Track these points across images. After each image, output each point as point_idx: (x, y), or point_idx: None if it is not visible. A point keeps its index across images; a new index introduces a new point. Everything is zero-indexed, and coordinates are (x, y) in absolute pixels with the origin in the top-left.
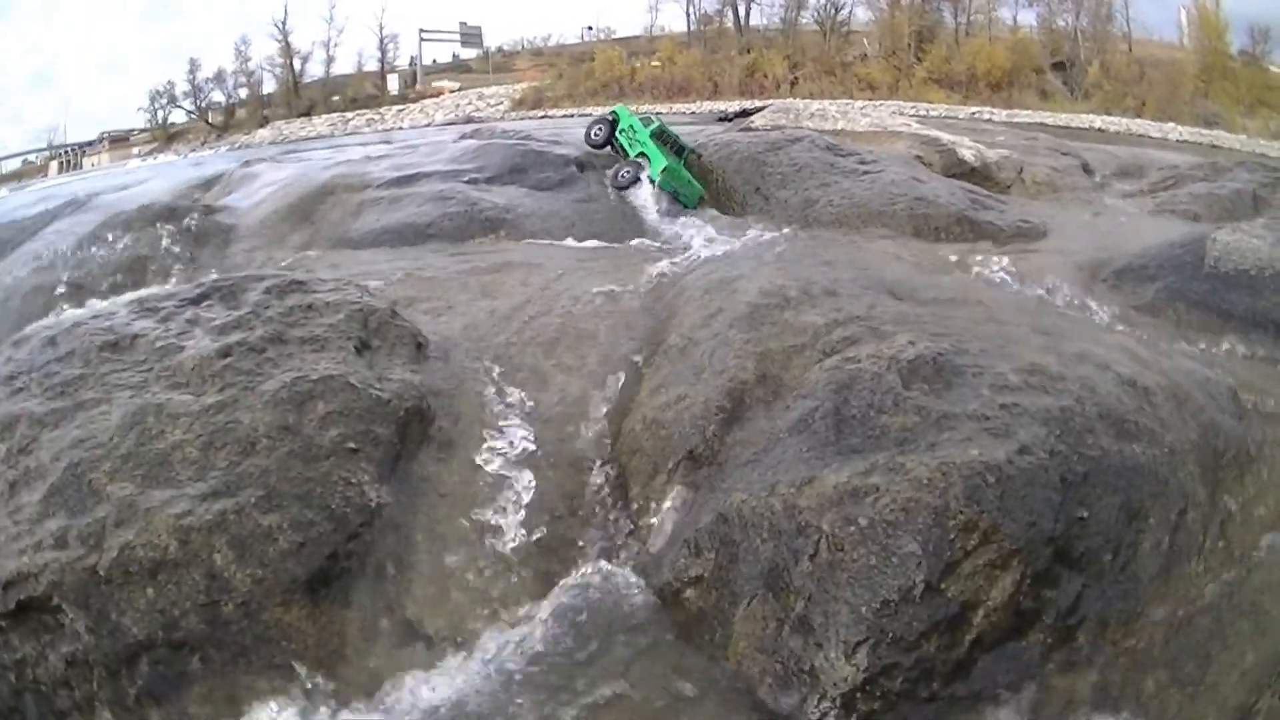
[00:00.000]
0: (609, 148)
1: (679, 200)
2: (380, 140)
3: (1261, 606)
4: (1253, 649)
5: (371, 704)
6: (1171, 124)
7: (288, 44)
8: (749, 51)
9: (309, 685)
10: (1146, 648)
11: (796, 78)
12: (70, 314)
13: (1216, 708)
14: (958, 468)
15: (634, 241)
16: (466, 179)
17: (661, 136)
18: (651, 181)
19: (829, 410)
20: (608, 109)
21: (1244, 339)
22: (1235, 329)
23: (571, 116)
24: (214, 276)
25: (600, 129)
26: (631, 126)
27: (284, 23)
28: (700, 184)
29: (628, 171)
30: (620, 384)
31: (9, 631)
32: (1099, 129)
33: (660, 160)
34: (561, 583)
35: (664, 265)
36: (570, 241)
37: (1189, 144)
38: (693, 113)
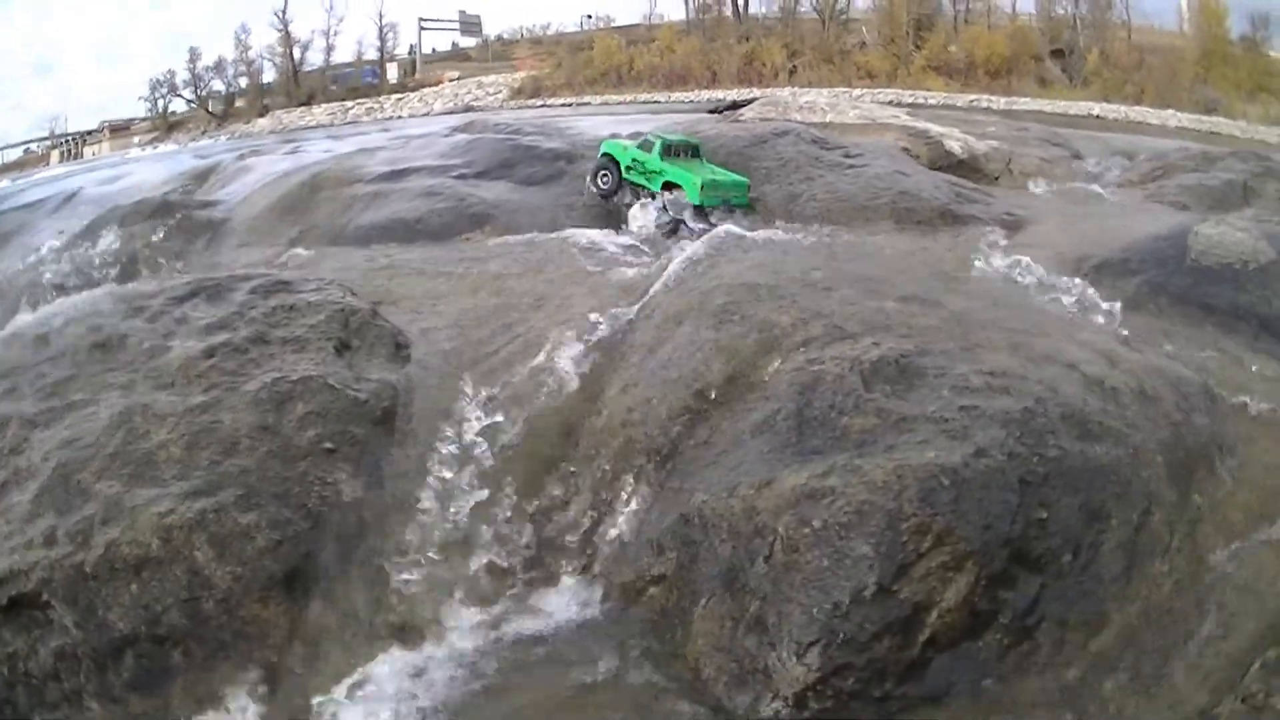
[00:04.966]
0: (621, 192)
1: (731, 204)
2: (379, 130)
3: (1227, 607)
4: (1216, 651)
5: (346, 695)
6: (1171, 110)
7: (288, 33)
8: (748, 40)
9: (286, 678)
10: (1108, 648)
11: (795, 66)
12: (62, 312)
13: (1177, 710)
14: (913, 470)
15: (618, 237)
16: (455, 174)
17: (671, 151)
18: (700, 207)
19: (791, 412)
20: (599, 153)
21: (1225, 333)
22: (1217, 323)
23: (570, 105)
24: (201, 275)
25: (606, 176)
26: (635, 160)
27: (284, 11)
28: (738, 172)
29: (671, 210)
30: (591, 383)
31: (2, 627)
32: (1098, 116)
33: (692, 178)
34: (528, 578)
35: (641, 261)
36: (553, 237)
37: (1189, 130)
38: (690, 101)
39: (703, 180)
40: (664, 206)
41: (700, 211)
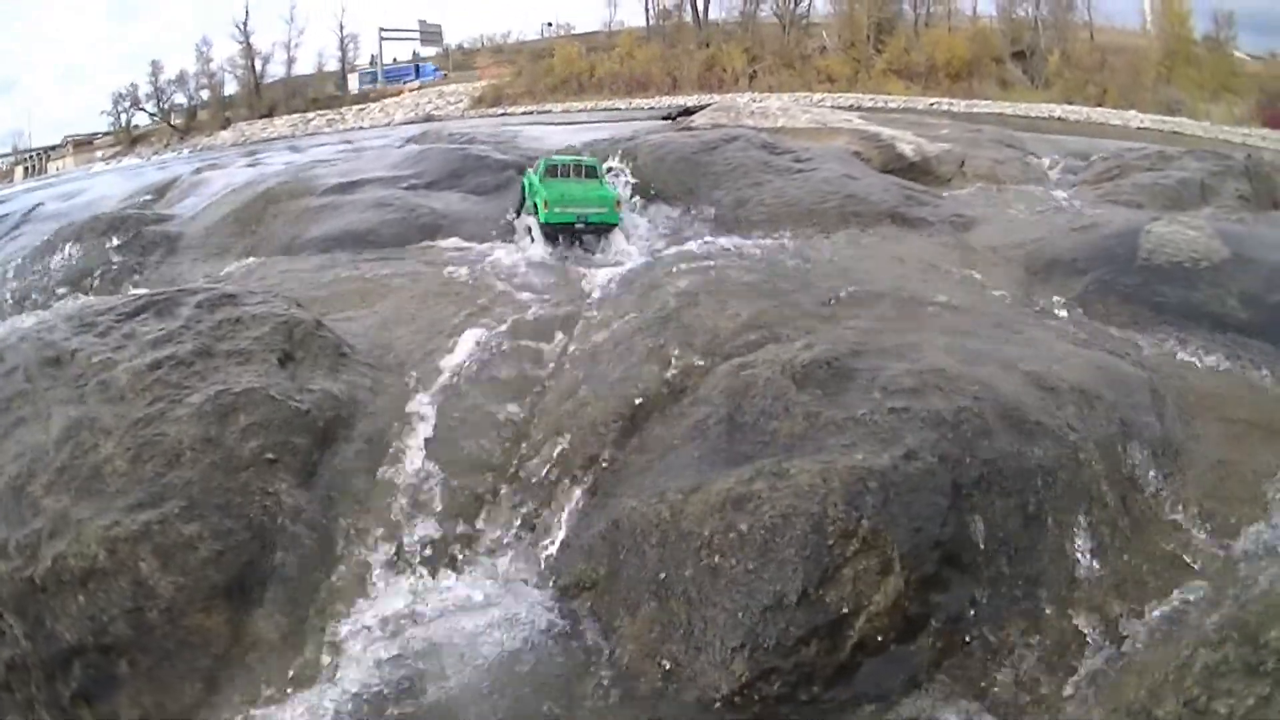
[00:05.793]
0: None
1: (590, 223)
2: (339, 140)
3: (1170, 609)
4: (1160, 652)
5: (288, 701)
6: (1133, 111)
7: (249, 45)
8: (708, 45)
9: (228, 686)
10: (1045, 651)
11: (756, 71)
12: (17, 328)
13: (1118, 711)
14: (839, 474)
15: (559, 248)
16: (406, 185)
17: (555, 171)
18: (545, 225)
19: (723, 416)
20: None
21: (1175, 332)
22: (1167, 322)
23: (531, 114)
24: (151, 290)
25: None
26: (530, 187)
27: (245, 24)
28: (608, 191)
29: (534, 235)
30: (531, 390)
31: None
32: (1059, 118)
33: (539, 193)
34: (467, 584)
35: (583, 269)
36: (501, 245)
37: (1151, 131)
38: (651, 108)
39: (547, 196)
40: (531, 229)
41: (594, 231)
